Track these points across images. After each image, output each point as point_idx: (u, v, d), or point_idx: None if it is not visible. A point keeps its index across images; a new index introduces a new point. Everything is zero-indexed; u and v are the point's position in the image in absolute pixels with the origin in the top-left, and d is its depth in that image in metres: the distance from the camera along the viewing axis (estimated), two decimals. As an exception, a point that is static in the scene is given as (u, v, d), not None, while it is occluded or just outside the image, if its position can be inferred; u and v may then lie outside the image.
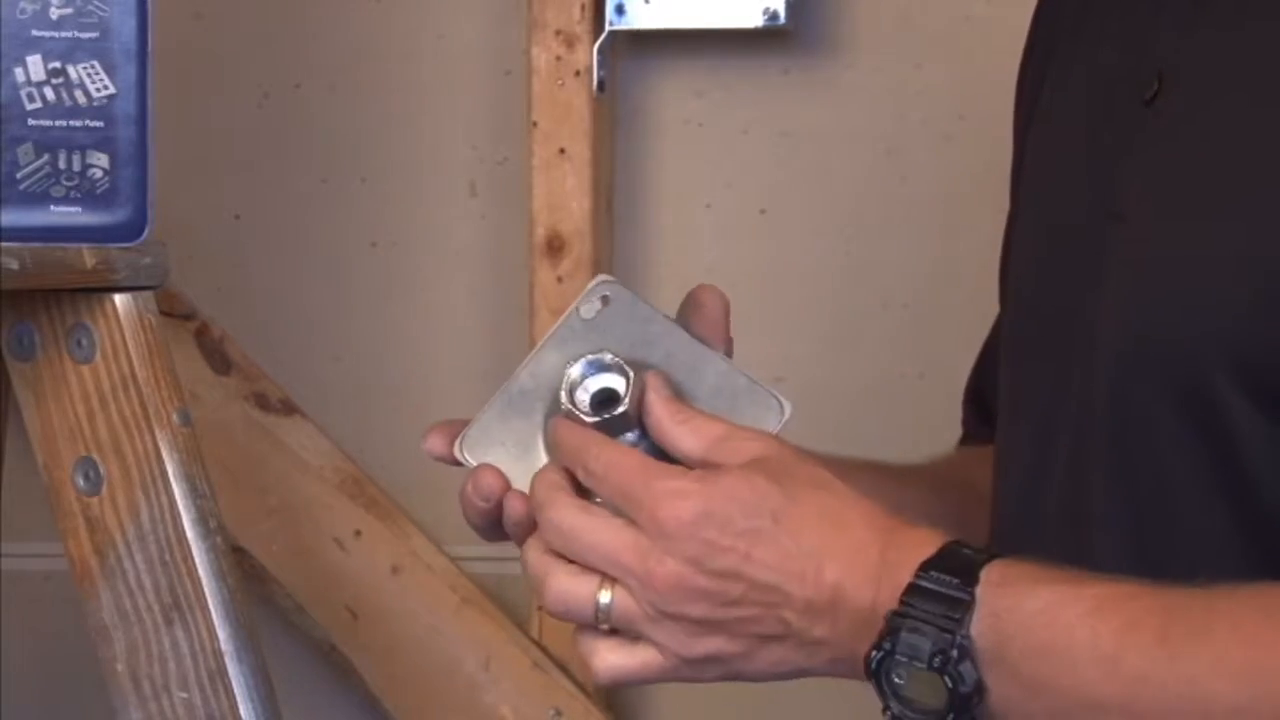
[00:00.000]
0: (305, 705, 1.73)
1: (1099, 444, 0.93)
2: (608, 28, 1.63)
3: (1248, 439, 0.87)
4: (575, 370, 0.91)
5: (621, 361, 0.91)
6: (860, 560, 0.85)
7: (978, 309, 1.16)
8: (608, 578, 0.87)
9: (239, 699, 0.98)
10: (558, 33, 1.63)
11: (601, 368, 0.91)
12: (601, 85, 1.64)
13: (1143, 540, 0.91)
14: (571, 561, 0.88)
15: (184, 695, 0.98)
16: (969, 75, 1.65)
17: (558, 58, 1.63)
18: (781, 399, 0.93)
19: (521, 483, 0.92)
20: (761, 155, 1.70)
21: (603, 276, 0.97)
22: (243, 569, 1.49)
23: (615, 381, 0.91)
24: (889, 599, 0.84)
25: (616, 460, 0.88)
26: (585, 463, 0.89)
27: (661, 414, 0.90)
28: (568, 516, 0.88)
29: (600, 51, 1.63)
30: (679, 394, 0.92)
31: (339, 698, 1.75)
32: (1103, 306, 0.93)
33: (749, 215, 1.71)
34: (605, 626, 0.88)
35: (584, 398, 0.91)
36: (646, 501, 0.86)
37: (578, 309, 0.95)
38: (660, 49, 1.70)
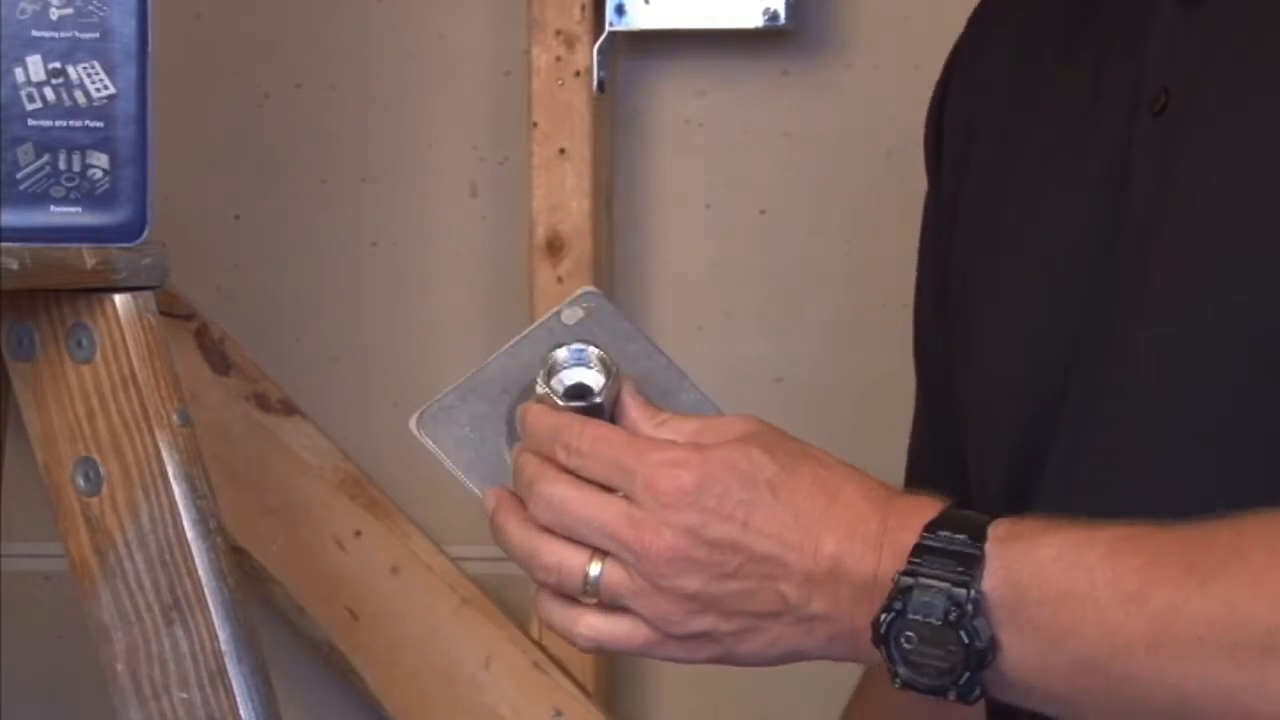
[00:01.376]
0: (305, 705, 1.73)
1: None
2: (608, 28, 1.63)
3: None
4: (560, 354, 0.91)
5: (605, 358, 0.91)
6: (860, 530, 0.84)
7: (978, 309, 1.16)
8: (598, 551, 0.86)
9: (239, 699, 0.98)
10: (558, 33, 1.63)
11: (583, 361, 0.91)
12: (601, 85, 1.64)
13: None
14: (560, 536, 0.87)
15: (184, 695, 0.98)
16: (969, 75, 1.65)
17: (558, 58, 1.63)
18: None
19: (468, 467, 0.92)
20: (761, 155, 1.70)
21: (589, 288, 0.97)
22: (243, 569, 1.49)
23: (593, 379, 0.91)
24: (893, 565, 0.83)
25: (604, 434, 0.87)
26: (568, 441, 0.87)
27: (638, 416, 0.90)
28: (559, 489, 0.87)
29: (600, 52, 1.63)
30: None
31: (339, 698, 1.75)
32: (1130, 321, 0.92)
33: (749, 215, 1.70)
34: (592, 601, 0.87)
35: (558, 387, 0.91)
36: (641, 472, 0.85)
37: (560, 313, 0.95)
38: (660, 49, 1.70)
